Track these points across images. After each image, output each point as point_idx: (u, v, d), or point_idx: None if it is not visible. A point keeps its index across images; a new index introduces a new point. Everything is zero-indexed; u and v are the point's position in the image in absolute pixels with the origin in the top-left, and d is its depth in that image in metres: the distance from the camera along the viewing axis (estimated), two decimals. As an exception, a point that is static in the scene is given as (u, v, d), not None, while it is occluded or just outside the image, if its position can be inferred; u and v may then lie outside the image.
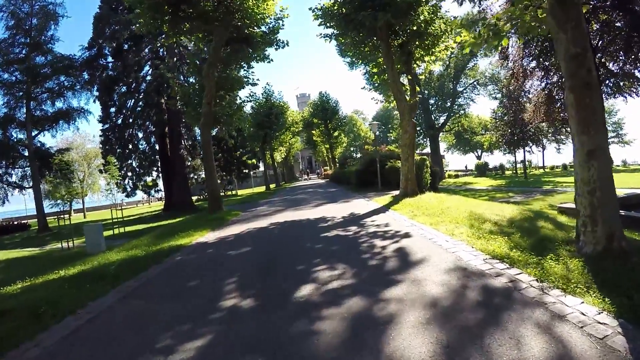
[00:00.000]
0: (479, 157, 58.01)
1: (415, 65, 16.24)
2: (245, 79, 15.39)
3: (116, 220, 23.22)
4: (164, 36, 15.17)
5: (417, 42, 15.29)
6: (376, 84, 17.93)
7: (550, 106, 23.93)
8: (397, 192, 16.75)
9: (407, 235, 7.25)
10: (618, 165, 45.07)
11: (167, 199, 31.41)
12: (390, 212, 10.57)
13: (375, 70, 17.13)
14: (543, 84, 22.38)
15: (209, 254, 7.30)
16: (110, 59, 31.50)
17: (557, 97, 23.06)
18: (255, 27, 14.15)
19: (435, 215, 9.30)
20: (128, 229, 23.95)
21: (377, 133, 79.50)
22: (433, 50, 15.59)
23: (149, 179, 35.95)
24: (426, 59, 16.07)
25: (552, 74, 21.87)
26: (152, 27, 14.21)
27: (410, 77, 15.50)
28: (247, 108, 36.76)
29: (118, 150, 31.20)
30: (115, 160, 25.94)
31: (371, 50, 16.06)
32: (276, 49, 15.56)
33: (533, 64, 22.25)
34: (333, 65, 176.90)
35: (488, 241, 6.05)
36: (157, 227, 20.85)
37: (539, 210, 11.21)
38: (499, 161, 46.03)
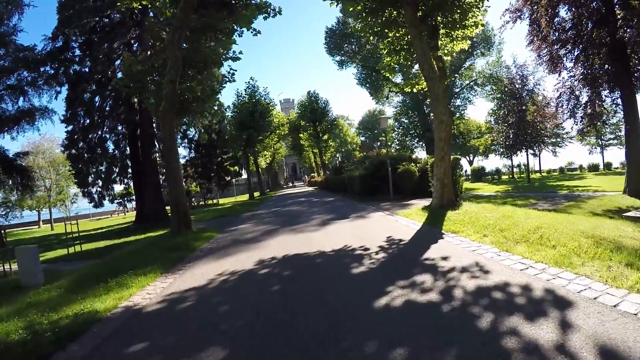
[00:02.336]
0: (470, 162, 54.72)
1: (442, 42, 12.46)
2: (223, 53, 10.94)
3: (80, 234, 19.21)
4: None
5: (441, 17, 11.71)
6: (372, 78, 14.13)
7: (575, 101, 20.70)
8: (416, 202, 12.94)
9: (563, 303, 3.30)
10: (617, 168, 42.26)
11: (139, 210, 26.86)
12: (452, 238, 6.57)
13: (385, 51, 13.32)
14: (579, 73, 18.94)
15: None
16: (77, 52, 26.93)
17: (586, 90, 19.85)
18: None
19: (536, 242, 5.57)
20: (87, 246, 19.85)
21: (363, 139, 76.22)
22: (463, 24, 11.97)
23: (120, 187, 31.27)
24: (454, 33, 12.39)
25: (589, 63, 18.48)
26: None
27: (439, 55, 11.70)
28: (227, 102, 31.66)
29: (86, 155, 26.58)
30: (69, 165, 21.40)
31: (386, 23, 12.27)
32: (265, 18, 11.48)
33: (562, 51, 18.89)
34: (318, 71, 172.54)
35: None
36: (118, 246, 17.02)
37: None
38: (493, 165, 42.68)
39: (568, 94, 20.75)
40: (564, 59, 19.50)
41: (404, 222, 8.81)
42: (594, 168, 41.28)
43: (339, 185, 22.99)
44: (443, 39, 12.54)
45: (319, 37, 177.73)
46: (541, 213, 8.46)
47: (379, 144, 68.59)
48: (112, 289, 5.18)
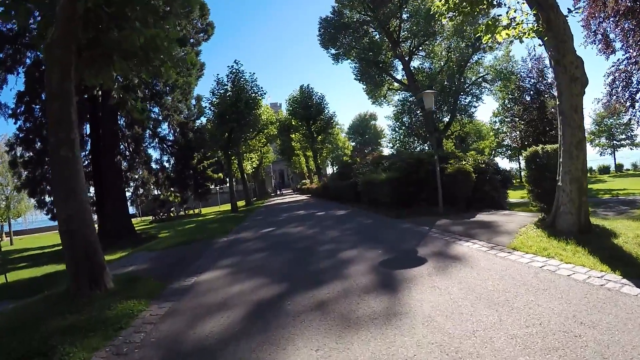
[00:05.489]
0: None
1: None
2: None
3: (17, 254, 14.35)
4: None
5: None
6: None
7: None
8: (490, 218, 8.30)
9: None
10: (628, 170, 38.93)
11: (101, 225, 21.43)
12: None
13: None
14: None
15: None
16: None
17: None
18: None
19: None
20: (22, 274, 15.16)
21: (354, 144, 71.37)
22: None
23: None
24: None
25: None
26: None
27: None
28: (205, 92, 25.43)
29: (40, 157, 21.47)
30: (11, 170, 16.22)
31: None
32: None
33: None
34: (305, 76, 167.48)
35: None
36: (53, 276, 12.05)
37: None
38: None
39: (624, 79, 16.59)
40: (626, 35, 15.32)
41: (580, 278, 3.94)
42: (604, 170, 37.83)
43: (347, 193, 17.91)
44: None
45: (306, 37, 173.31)
46: None
47: (370, 148, 64.17)
48: None
